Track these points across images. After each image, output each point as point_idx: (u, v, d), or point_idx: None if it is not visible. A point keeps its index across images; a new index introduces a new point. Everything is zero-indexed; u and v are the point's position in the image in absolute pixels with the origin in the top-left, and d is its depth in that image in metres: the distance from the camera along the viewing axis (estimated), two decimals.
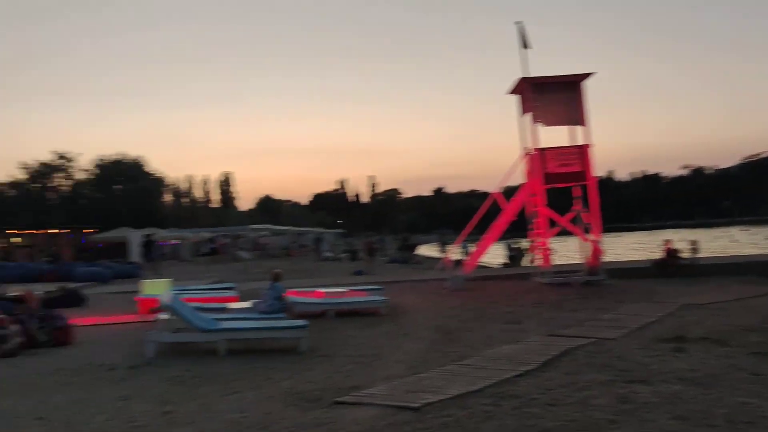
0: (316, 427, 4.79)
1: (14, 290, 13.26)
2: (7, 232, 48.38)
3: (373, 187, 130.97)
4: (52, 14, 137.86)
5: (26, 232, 49.30)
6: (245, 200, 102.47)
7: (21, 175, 62.45)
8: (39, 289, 12.55)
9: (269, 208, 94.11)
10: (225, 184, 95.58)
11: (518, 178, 16.63)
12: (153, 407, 5.49)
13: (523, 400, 5.10)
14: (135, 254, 32.23)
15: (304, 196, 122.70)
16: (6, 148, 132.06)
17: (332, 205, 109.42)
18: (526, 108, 15.74)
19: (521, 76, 15.41)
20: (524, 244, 22.80)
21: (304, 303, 11.19)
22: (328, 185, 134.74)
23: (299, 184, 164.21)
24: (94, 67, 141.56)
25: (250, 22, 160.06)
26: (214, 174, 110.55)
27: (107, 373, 7.00)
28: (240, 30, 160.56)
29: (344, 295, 11.98)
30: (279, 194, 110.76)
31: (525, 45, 15.60)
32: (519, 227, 17.58)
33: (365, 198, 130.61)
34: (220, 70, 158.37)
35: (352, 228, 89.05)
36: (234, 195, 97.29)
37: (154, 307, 10.75)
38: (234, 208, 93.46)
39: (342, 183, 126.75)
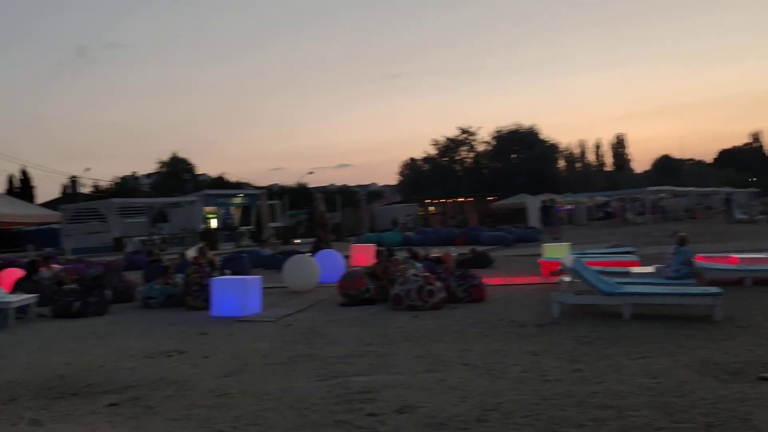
0: (738, 402, 4.43)
1: (434, 252, 15.08)
2: (425, 201, 55.04)
3: None
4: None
5: (438, 201, 55.31)
6: (640, 162, 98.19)
7: (432, 151, 70.09)
8: (453, 251, 13.99)
9: (667, 168, 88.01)
10: (618, 146, 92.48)
11: None
12: (562, 364, 5.73)
13: None
14: (533, 219, 33.53)
15: (707, 154, 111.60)
16: (420, 128, 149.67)
17: (742, 162, 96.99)
18: None
19: None
20: None
21: (717, 269, 10.32)
22: (737, 140, 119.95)
23: (701, 140, 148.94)
24: (488, 47, 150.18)
25: None
26: (607, 137, 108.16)
27: (518, 329, 7.51)
28: None
29: (764, 262, 10.67)
30: (677, 153, 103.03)
31: None
32: None
33: None
34: (607, 34, 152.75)
35: None
36: (628, 157, 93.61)
37: (556, 269, 11.12)
38: (628, 170, 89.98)
39: (755, 136, 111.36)
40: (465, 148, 69.09)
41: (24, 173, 53.62)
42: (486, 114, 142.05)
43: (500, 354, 6.24)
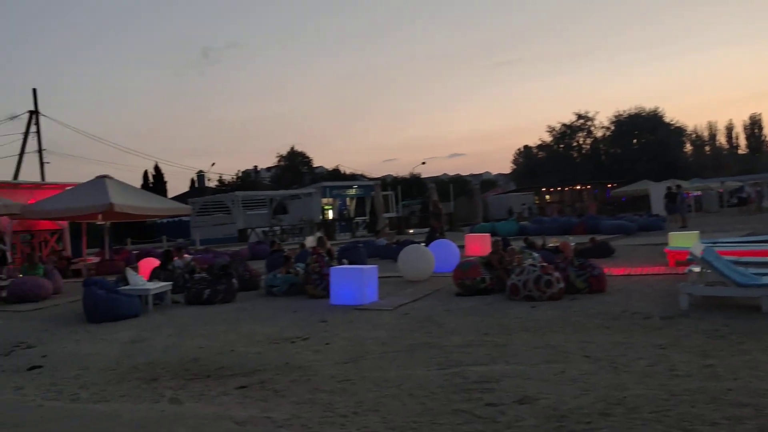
0: None
1: (552, 241, 14.74)
2: (540, 190, 53.80)
3: None
4: None
5: (555, 189, 53.87)
6: None
7: (547, 138, 68.29)
8: (571, 241, 13.61)
9: None
10: (753, 127, 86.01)
11: None
12: (692, 358, 5.45)
13: None
14: (657, 206, 31.93)
15: None
16: (534, 114, 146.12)
17: None
18: None
19: None
20: None
21: None
22: None
23: None
24: (604, 27, 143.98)
25: None
26: (740, 118, 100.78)
27: (642, 321, 7.20)
28: None
29: None
30: None
31: None
32: None
33: None
34: (738, 5, 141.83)
35: None
36: (764, 139, 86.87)
37: (683, 259, 10.55)
38: (765, 153, 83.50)
39: None
40: (582, 133, 66.73)
41: (157, 169, 57.32)
42: (604, 98, 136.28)
43: (624, 346, 6.02)
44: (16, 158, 33.95)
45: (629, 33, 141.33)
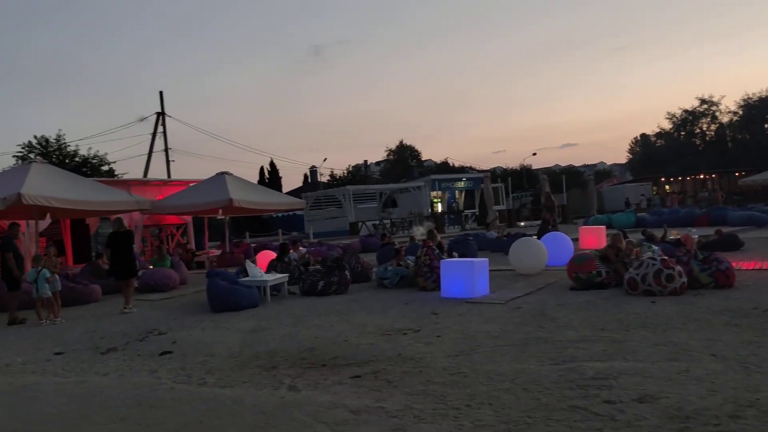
0: None
1: (673, 233, 14.02)
2: (660, 179, 51.24)
3: None
4: None
5: (675, 178, 51.13)
6: None
7: (667, 125, 64.89)
8: (694, 233, 12.89)
9: None
10: None
11: None
12: None
13: None
14: None
15: None
16: (651, 101, 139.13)
17: None
18: None
19: None
20: None
21: None
22: None
23: None
24: (728, 7, 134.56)
25: None
26: None
27: None
28: None
29: None
30: None
31: None
32: None
33: None
34: None
35: None
36: None
37: None
38: None
39: None
40: (705, 120, 62.87)
41: (272, 165, 59.50)
42: (729, 81, 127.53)
43: (755, 345, 5.64)
44: (145, 157, 36.37)
45: (757, 11, 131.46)
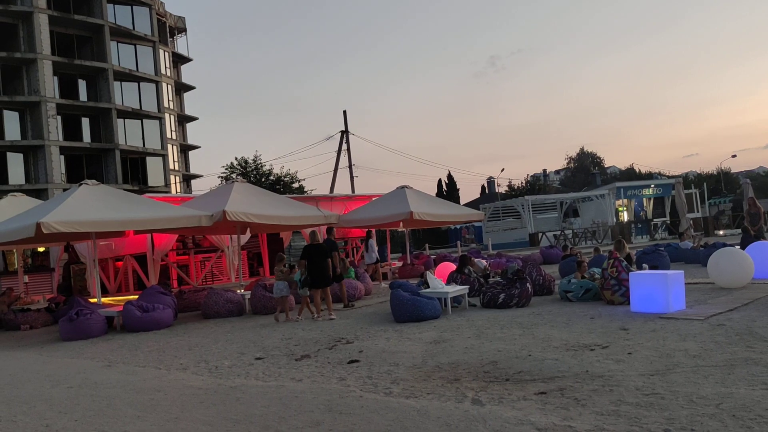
0: None
1: None
2: None
3: None
4: None
5: None
6: None
7: None
8: None
9: None
10: None
11: None
12: None
13: None
14: None
15: None
16: None
17: None
18: None
19: None
20: None
21: None
22: None
23: None
24: None
25: None
26: None
27: None
28: None
29: None
30: None
31: None
32: None
33: None
34: None
35: None
36: None
37: None
38: None
39: None
40: None
41: (450, 177, 60.13)
42: None
43: None
44: (331, 174, 38.53)
45: None
